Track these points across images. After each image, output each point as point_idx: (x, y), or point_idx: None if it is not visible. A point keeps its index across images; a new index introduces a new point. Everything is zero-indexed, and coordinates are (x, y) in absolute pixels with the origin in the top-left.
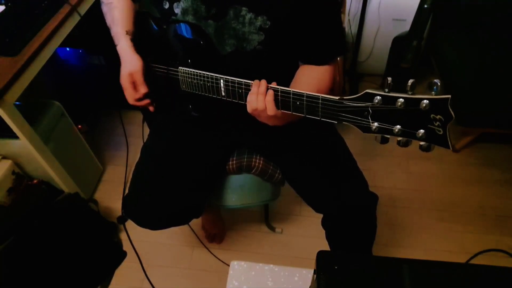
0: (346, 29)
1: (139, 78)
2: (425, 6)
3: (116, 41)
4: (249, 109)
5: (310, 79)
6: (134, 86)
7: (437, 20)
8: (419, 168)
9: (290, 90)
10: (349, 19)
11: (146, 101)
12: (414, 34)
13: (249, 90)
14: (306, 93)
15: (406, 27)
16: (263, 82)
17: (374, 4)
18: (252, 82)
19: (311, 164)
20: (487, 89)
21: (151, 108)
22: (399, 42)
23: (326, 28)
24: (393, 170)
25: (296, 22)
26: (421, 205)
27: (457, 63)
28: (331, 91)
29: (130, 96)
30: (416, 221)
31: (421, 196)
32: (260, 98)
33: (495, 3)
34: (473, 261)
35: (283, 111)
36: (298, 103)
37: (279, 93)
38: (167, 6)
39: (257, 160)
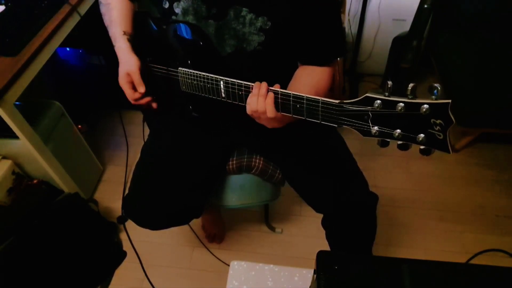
0: (346, 29)
1: (137, 78)
2: (425, 6)
3: (114, 42)
4: (248, 110)
5: (309, 80)
6: (133, 86)
7: (437, 20)
8: (419, 168)
9: (290, 93)
10: (349, 19)
11: (147, 99)
12: (414, 34)
13: (249, 92)
14: (306, 96)
15: (406, 27)
16: (264, 84)
17: (374, 4)
18: (252, 84)
19: (311, 164)
20: (487, 89)
21: (154, 105)
22: (399, 42)
23: (326, 30)
24: (393, 170)
25: (297, 23)
26: (421, 205)
27: (457, 63)
28: (330, 91)
29: (129, 96)
30: (416, 221)
31: (421, 196)
32: (260, 100)
33: (495, 3)
34: (473, 261)
35: (282, 113)
36: (298, 106)
37: (279, 96)
38: (167, 5)
39: (257, 160)
